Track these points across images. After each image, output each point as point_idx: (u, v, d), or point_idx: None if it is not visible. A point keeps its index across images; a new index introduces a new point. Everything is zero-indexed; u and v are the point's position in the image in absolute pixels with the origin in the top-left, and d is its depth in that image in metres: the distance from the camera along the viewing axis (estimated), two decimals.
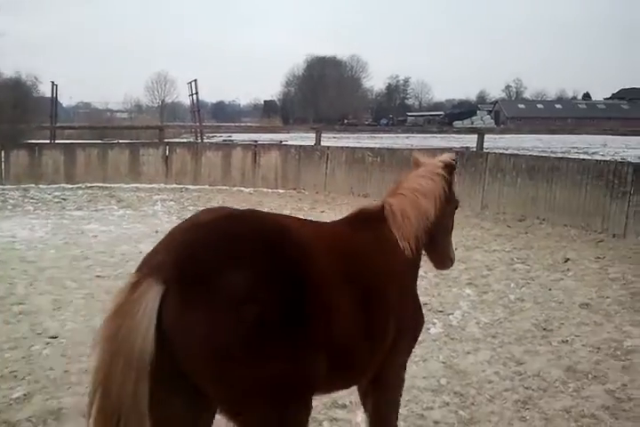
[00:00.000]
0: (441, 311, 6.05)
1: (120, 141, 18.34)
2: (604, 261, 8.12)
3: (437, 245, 3.31)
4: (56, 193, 14.01)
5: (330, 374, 2.23)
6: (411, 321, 2.84)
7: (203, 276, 1.90)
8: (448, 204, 3.25)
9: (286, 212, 11.88)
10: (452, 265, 3.52)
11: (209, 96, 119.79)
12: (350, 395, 4.20)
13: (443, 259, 3.42)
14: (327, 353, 2.16)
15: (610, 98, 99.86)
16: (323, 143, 15.47)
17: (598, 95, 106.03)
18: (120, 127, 31.77)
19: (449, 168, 3.21)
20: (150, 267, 1.93)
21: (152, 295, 1.84)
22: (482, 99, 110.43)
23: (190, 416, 2.06)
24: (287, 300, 1.99)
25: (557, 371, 4.70)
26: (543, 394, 4.32)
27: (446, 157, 3.29)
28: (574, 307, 6.27)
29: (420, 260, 3.13)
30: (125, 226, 10.33)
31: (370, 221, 2.88)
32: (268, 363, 1.95)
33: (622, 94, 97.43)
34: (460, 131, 32.09)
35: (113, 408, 1.83)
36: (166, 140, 17.05)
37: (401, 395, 2.98)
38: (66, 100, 74.50)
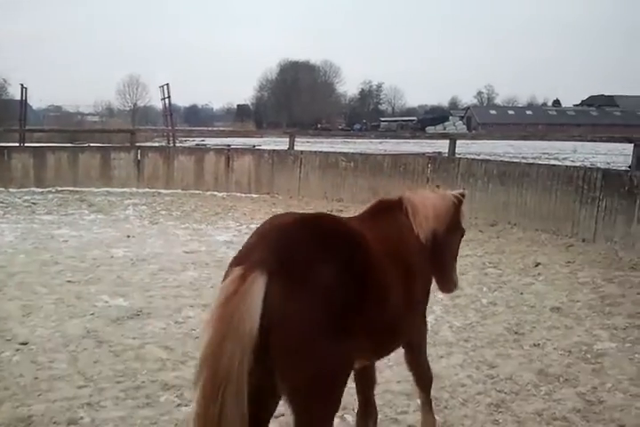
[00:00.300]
0: None
1: (91, 145, 18.17)
2: (574, 265, 8.23)
3: (444, 269, 3.68)
4: (26, 197, 13.79)
5: (376, 346, 2.82)
6: (427, 284, 3.40)
7: (300, 269, 2.28)
8: (456, 230, 3.70)
9: (260, 216, 11.84)
10: (455, 289, 3.85)
11: (181, 100, 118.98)
12: None
13: (448, 283, 3.75)
14: (376, 330, 2.64)
15: (579, 104, 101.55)
16: (296, 148, 15.46)
17: (568, 102, 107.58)
18: (91, 131, 31.52)
19: (460, 199, 3.70)
20: (253, 262, 2.24)
21: (259, 285, 2.17)
22: (454, 105, 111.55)
23: (263, 394, 2.42)
24: (360, 287, 2.44)
25: (529, 374, 4.74)
26: (515, 397, 4.36)
27: (458, 190, 3.82)
28: (545, 311, 6.34)
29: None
30: (96, 231, 10.20)
31: (390, 210, 3.39)
32: (348, 338, 2.36)
33: (591, 101, 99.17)
34: (432, 136, 32.27)
35: (220, 380, 2.12)
36: (138, 144, 16.89)
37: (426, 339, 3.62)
38: (36, 102, 73.75)
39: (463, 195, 3.75)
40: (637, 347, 5.33)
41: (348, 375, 2.52)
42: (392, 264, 2.82)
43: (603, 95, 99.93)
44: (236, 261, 2.37)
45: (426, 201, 3.48)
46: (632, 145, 9.73)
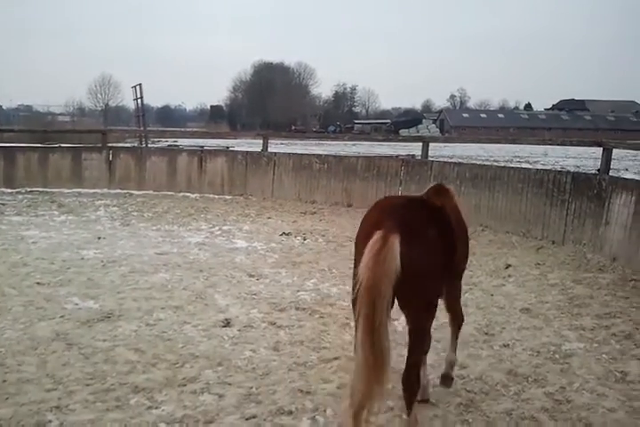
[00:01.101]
0: None
1: (62, 145, 17.86)
2: (544, 267, 8.34)
3: None
4: None
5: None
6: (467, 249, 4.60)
7: (417, 233, 3.52)
8: None
9: (232, 217, 11.82)
10: None
11: (154, 100, 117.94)
12: (294, 402, 4.21)
13: None
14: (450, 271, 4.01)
15: (550, 108, 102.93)
16: (270, 149, 15.42)
17: (539, 106, 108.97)
18: (62, 131, 31.03)
19: None
20: (389, 227, 3.37)
21: (397, 242, 3.32)
22: (427, 108, 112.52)
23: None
24: (449, 243, 3.82)
25: (499, 374, 4.80)
26: (485, 397, 4.41)
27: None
28: (515, 312, 6.42)
29: None
30: (66, 232, 10.07)
31: (445, 193, 4.48)
32: (442, 273, 3.76)
33: (562, 105, 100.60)
34: (405, 139, 32.50)
35: (381, 298, 3.28)
36: (110, 145, 16.67)
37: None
38: (6, 102, 72.66)
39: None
40: (604, 347, 5.43)
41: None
42: (458, 229, 4.12)
43: (573, 99, 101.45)
44: (374, 226, 3.49)
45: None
46: (601, 149, 9.89)
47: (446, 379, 4.53)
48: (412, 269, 3.38)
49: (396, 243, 3.31)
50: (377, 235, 3.36)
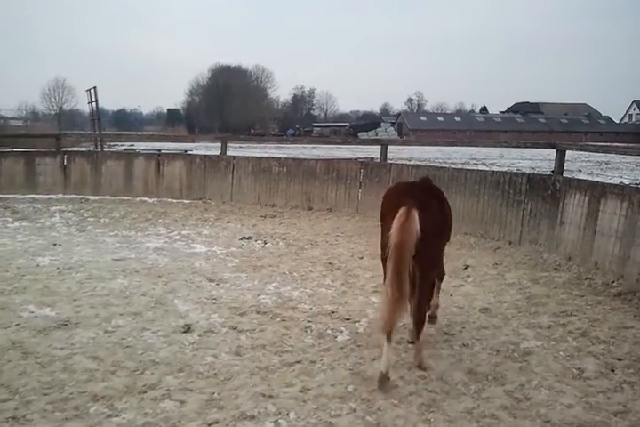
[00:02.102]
0: (348, 319, 6.13)
1: (14, 150, 17.47)
2: (502, 267, 8.47)
3: None
4: None
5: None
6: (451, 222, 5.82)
7: (428, 207, 4.86)
8: None
9: (191, 222, 11.71)
10: None
11: (110, 104, 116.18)
12: (257, 406, 4.19)
13: None
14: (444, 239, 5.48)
15: (505, 111, 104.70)
16: (229, 153, 15.33)
17: (495, 109, 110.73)
18: (14, 135, 30.33)
19: None
20: (410, 204, 4.63)
21: (416, 214, 4.58)
22: (385, 111, 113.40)
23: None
24: (445, 215, 5.35)
25: (459, 374, 4.85)
26: (446, 397, 4.45)
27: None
28: (474, 312, 6.50)
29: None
30: (21, 239, 9.83)
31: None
32: (446, 233, 5.48)
33: (517, 108, 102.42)
34: (364, 142, 32.71)
35: (407, 250, 4.53)
36: (64, 149, 16.33)
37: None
38: None
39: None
40: (561, 345, 5.54)
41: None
42: (447, 206, 5.56)
43: (528, 102, 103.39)
44: (397, 204, 4.73)
45: None
46: (555, 150, 10.09)
47: (432, 318, 5.79)
48: (427, 232, 4.65)
49: (416, 215, 4.59)
50: (402, 210, 4.64)
